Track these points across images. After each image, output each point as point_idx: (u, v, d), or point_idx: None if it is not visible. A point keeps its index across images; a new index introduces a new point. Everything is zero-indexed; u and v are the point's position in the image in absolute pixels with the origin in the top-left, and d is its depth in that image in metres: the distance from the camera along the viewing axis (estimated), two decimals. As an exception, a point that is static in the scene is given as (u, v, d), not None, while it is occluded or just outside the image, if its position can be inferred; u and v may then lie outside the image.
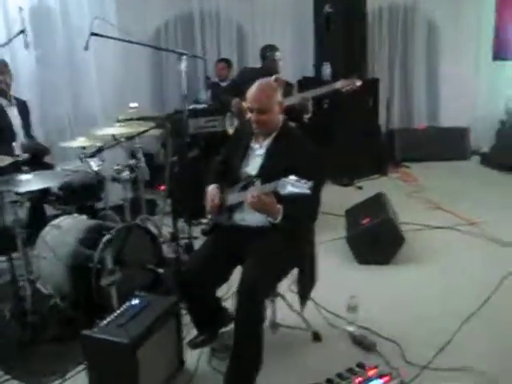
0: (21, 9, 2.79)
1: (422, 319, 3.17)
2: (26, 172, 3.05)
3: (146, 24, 6.03)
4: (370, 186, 5.69)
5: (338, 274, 3.79)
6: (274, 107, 2.64)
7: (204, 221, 2.91)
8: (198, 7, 6.26)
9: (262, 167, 2.66)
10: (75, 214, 3.46)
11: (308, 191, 2.24)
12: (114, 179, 3.49)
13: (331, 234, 4.30)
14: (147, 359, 2.37)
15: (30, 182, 3.05)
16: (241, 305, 2.42)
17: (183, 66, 3.63)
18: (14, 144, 3.60)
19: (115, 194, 4.28)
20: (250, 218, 2.64)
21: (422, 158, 6.67)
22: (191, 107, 4.98)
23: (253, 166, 2.71)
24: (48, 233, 3.26)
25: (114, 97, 4.80)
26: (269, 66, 4.42)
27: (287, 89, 4.39)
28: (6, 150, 3.59)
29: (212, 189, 2.79)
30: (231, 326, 2.88)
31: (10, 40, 2.75)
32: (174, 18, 6.28)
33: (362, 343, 2.89)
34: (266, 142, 2.71)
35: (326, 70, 5.95)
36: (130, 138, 3.53)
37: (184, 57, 3.65)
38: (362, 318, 3.06)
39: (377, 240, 3.84)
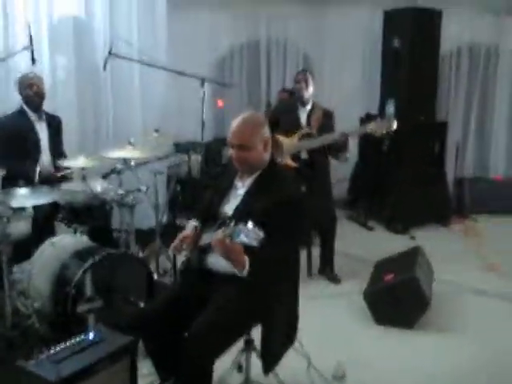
0: (29, 26, 2.80)
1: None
2: (22, 186, 3.04)
3: (213, 49, 6.07)
4: (425, 237, 5.23)
5: (346, 330, 3.46)
6: (258, 144, 2.40)
7: (183, 258, 2.72)
8: (265, 34, 6.18)
9: (237, 208, 2.44)
10: (78, 234, 3.40)
11: (255, 244, 1.99)
12: (120, 204, 3.41)
13: (357, 286, 3.94)
14: (80, 401, 2.20)
15: (25, 197, 3.05)
16: (184, 365, 2.19)
17: (203, 91, 3.56)
18: (37, 167, 3.67)
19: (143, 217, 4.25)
20: (218, 262, 2.38)
21: (495, 211, 6.01)
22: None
23: (231, 205, 2.49)
24: (43, 249, 3.22)
25: (158, 121, 4.76)
26: (297, 88, 4.14)
27: (326, 116, 4.11)
28: (29, 165, 3.67)
29: (189, 225, 2.59)
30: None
31: (13, 54, 2.76)
32: (240, 45, 6.24)
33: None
34: (248, 181, 2.48)
35: (390, 108, 5.60)
36: (143, 162, 3.47)
37: (206, 83, 3.57)
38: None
39: (397, 300, 3.44)
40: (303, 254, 4.46)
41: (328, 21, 6.09)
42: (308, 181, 4.02)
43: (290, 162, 4.04)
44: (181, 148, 4.18)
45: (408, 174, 5.57)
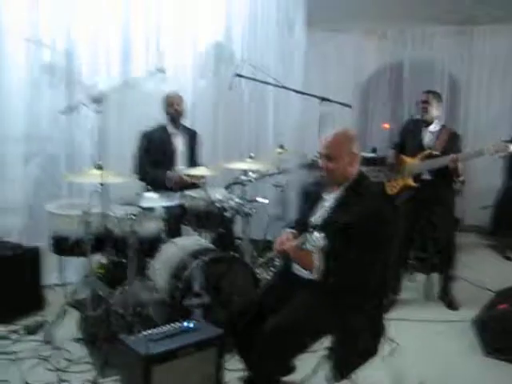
0: (160, 52, 3.26)
1: None
2: (150, 190, 3.49)
3: (359, 70, 6.25)
4: None
5: (449, 357, 3.35)
6: (343, 156, 2.52)
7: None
8: (409, 55, 6.17)
9: (321, 219, 2.57)
10: (197, 237, 3.77)
11: (315, 251, 2.12)
12: (236, 212, 3.70)
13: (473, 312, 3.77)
14: (166, 377, 2.48)
15: (153, 199, 3.48)
16: (257, 354, 2.38)
17: (322, 110, 3.73)
18: (168, 172, 4.14)
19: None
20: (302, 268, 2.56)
21: None
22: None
23: (317, 216, 2.63)
24: (167, 247, 3.62)
25: (289, 138, 5.06)
26: (419, 109, 4.10)
27: (452, 139, 4.02)
28: (162, 174, 4.16)
29: (286, 232, 2.79)
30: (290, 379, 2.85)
31: (146, 76, 3.24)
32: (384, 66, 6.30)
33: None
34: (335, 194, 2.60)
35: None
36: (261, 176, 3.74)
37: (323, 102, 3.74)
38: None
39: (507, 332, 3.24)
40: (422, 278, 4.40)
41: (476, 41, 5.88)
42: (428, 202, 4.00)
43: (410, 182, 4.04)
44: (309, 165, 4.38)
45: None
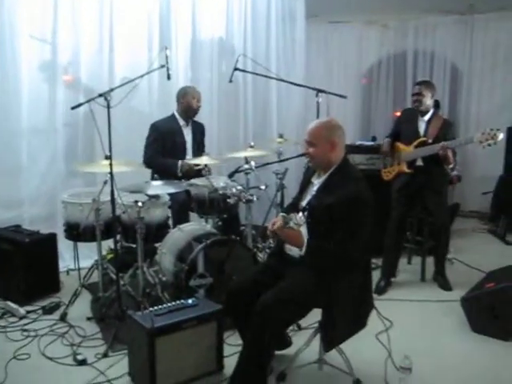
0: (166, 48, 3.45)
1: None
2: (156, 179, 3.72)
3: (361, 61, 6.42)
4: None
5: (439, 334, 3.54)
6: (322, 143, 2.72)
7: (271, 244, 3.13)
8: (412, 45, 6.31)
9: (309, 202, 2.78)
10: (203, 223, 4.00)
11: (297, 228, 2.36)
12: (238, 199, 3.90)
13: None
14: (170, 349, 2.73)
15: (159, 187, 3.71)
16: (251, 327, 2.59)
17: (319, 100, 3.92)
18: (179, 162, 4.36)
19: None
20: (292, 248, 2.77)
21: None
22: (358, 143, 5.13)
23: (306, 199, 2.84)
24: (173, 232, 3.86)
25: (290, 128, 5.28)
26: (412, 100, 4.27)
27: (445, 126, 4.17)
28: (173, 163, 4.37)
29: (279, 215, 3.00)
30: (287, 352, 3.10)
31: (148, 72, 3.45)
32: (387, 56, 6.45)
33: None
34: (321, 179, 2.81)
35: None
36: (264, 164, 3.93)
37: (321, 94, 3.92)
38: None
39: (493, 309, 3.42)
40: (418, 260, 4.59)
41: (477, 29, 6.02)
42: (422, 188, 4.17)
43: (404, 168, 4.21)
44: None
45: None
